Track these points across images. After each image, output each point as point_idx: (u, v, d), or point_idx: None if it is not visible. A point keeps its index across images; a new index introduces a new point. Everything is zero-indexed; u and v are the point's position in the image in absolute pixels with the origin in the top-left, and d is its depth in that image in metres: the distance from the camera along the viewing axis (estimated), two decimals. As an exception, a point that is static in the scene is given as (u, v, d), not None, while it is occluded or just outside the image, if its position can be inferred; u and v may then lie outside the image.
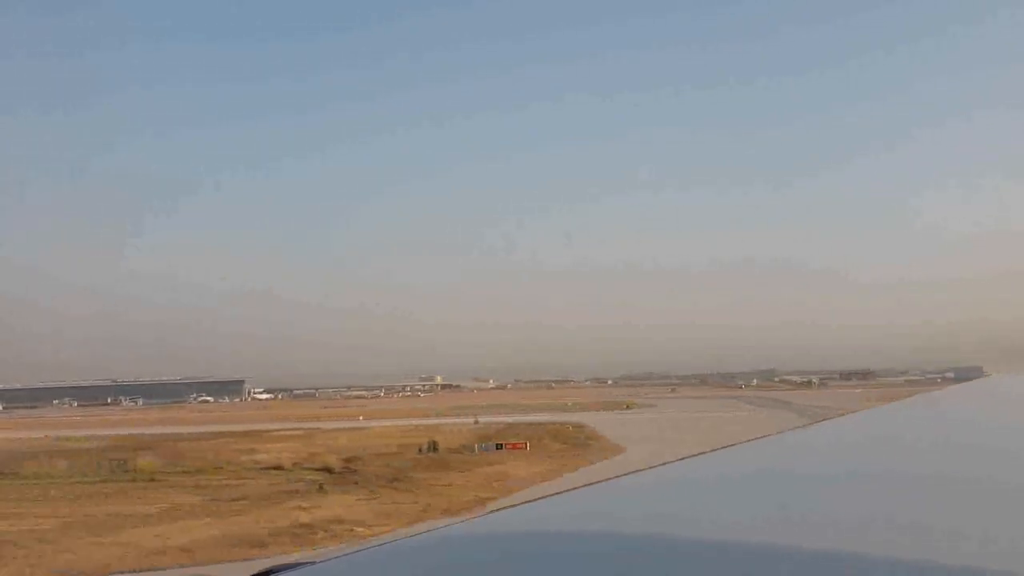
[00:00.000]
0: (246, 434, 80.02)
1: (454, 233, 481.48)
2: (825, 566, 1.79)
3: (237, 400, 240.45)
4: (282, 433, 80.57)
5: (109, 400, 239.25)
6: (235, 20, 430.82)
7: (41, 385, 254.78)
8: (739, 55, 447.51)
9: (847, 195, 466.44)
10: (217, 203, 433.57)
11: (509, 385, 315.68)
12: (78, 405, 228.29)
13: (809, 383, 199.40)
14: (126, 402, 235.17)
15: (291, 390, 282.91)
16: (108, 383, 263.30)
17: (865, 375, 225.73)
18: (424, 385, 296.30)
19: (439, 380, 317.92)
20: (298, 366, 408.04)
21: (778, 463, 3.77)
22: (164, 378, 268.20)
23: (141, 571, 30.26)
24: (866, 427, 5.55)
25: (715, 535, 2.14)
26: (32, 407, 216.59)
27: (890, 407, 7.49)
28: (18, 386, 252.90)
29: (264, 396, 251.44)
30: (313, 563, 2.01)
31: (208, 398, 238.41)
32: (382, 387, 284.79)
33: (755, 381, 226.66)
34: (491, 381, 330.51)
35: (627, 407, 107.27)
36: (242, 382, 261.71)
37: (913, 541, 2.00)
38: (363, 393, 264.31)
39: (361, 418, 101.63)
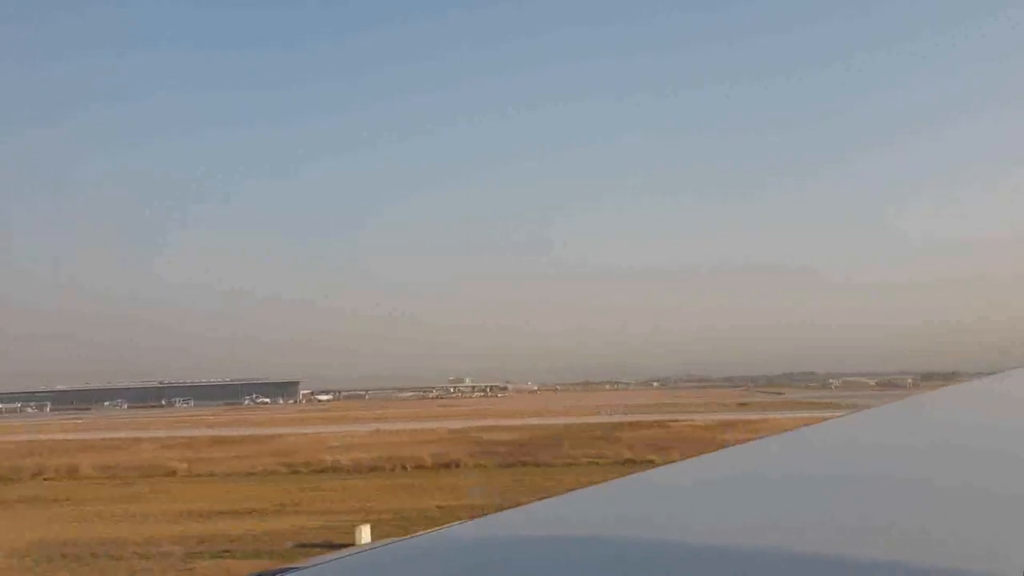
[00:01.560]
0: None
1: (465, 236, 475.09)
2: (827, 568, 1.76)
3: (291, 402, 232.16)
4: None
5: (164, 402, 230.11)
6: (247, 25, 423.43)
7: (88, 387, 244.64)
8: (741, 55, 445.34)
9: (859, 195, 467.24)
10: (227, 207, 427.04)
11: (557, 388, 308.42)
12: (128, 407, 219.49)
13: (906, 384, 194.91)
14: (180, 403, 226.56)
15: (340, 391, 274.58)
16: (157, 385, 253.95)
17: (948, 376, 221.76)
18: (460, 387, 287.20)
19: (469, 382, 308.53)
20: (316, 369, 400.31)
21: (779, 464, 3.76)
22: (214, 379, 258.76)
23: None
24: (868, 426, 5.43)
25: (716, 537, 2.11)
26: (84, 409, 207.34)
27: (895, 405, 7.11)
28: (64, 387, 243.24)
29: (324, 397, 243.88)
30: (310, 566, 1.97)
31: (266, 399, 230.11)
32: (432, 388, 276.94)
33: (840, 382, 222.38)
34: (529, 383, 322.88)
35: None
36: (297, 383, 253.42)
37: (915, 543, 1.97)
38: (426, 394, 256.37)
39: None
